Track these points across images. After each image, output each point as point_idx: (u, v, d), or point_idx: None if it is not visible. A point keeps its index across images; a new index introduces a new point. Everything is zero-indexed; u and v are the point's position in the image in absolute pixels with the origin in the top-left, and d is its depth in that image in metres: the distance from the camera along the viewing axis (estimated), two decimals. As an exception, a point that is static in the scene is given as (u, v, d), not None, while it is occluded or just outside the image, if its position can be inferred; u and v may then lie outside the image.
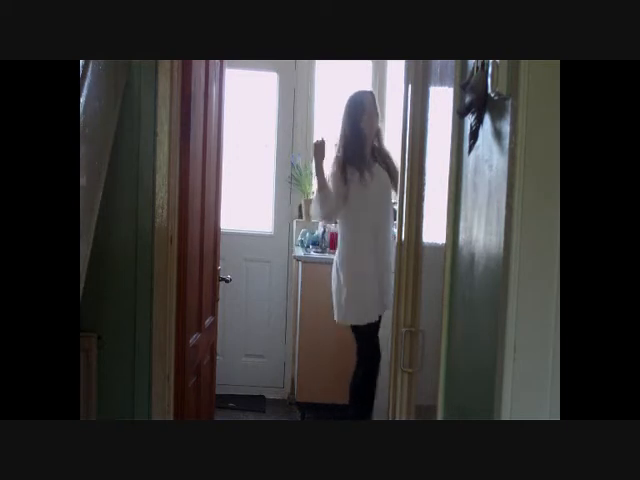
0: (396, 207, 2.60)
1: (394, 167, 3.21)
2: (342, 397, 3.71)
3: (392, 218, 3.26)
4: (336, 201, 3.23)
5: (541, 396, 1.07)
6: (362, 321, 3.25)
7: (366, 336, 3.31)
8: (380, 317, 3.29)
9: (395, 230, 3.21)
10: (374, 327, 3.30)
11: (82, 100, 1.62)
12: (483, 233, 1.27)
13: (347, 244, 3.28)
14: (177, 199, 2.15)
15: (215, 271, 2.84)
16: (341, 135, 3.27)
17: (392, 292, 3.13)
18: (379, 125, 3.33)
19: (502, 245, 1.09)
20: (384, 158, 3.30)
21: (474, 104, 1.27)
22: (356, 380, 3.35)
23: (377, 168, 3.26)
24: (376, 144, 3.31)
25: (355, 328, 3.30)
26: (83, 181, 1.57)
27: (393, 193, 3.30)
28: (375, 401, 3.66)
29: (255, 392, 4.25)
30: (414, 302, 2.08)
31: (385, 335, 3.11)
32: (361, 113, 3.25)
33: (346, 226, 3.30)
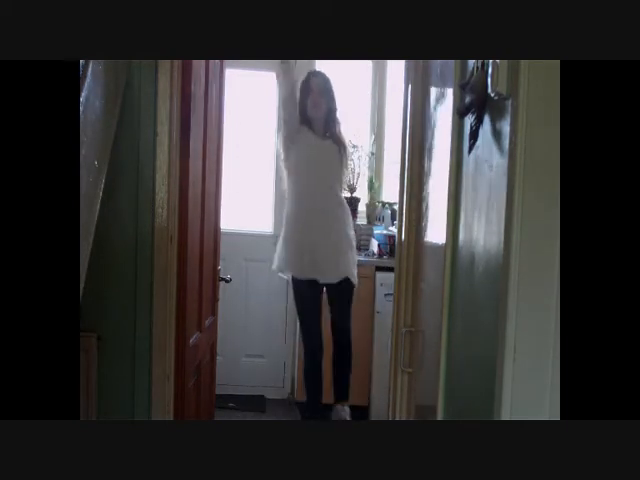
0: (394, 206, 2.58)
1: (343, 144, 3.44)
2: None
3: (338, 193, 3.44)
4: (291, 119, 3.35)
5: (541, 396, 1.07)
6: (281, 269, 3.42)
7: (296, 295, 3.41)
8: (320, 287, 3.34)
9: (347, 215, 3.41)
10: (303, 287, 3.35)
11: (82, 100, 1.62)
12: (483, 233, 1.27)
13: (288, 196, 3.47)
14: (177, 199, 2.15)
15: (215, 271, 2.84)
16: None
17: (333, 261, 3.32)
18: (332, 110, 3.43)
19: (502, 245, 1.09)
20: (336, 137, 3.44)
21: (474, 104, 1.27)
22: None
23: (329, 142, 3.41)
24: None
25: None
26: (83, 181, 1.58)
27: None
28: (374, 401, 3.66)
29: (255, 392, 4.24)
30: (414, 302, 2.08)
31: (384, 335, 3.10)
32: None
33: (289, 178, 3.46)
